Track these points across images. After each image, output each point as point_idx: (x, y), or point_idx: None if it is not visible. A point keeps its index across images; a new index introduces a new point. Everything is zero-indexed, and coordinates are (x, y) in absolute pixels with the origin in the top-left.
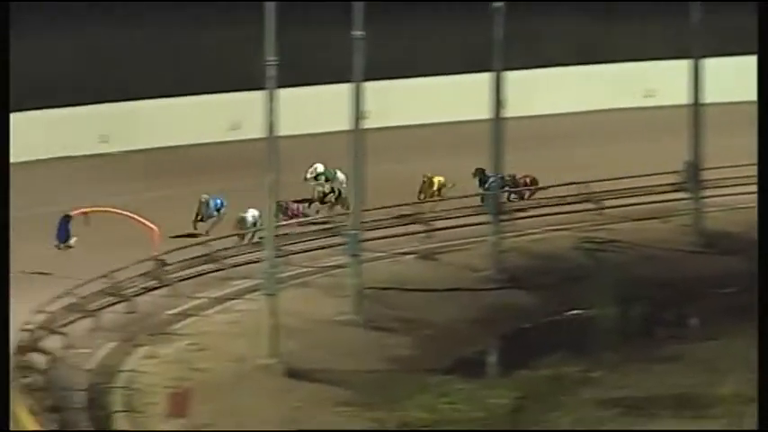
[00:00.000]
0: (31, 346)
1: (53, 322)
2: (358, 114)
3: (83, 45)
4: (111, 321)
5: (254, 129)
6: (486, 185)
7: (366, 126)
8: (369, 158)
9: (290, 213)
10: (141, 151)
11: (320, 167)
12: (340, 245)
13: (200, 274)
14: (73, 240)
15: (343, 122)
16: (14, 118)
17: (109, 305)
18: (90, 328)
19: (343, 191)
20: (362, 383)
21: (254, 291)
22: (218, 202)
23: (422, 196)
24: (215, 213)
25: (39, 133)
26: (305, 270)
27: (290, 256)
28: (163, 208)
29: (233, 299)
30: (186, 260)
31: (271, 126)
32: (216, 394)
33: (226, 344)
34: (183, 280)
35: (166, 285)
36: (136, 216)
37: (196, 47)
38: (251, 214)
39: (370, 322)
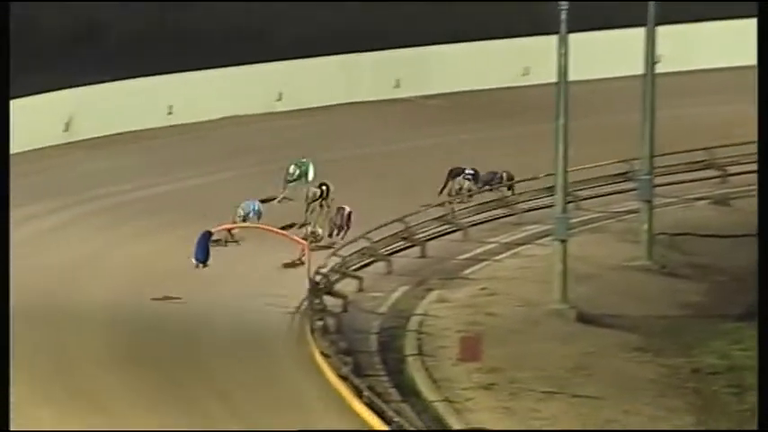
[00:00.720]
0: (325, 290)
1: (347, 266)
2: (651, 59)
3: None
4: (404, 266)
5: (545, 73)
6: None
7: (659, 70)
8: (661, 103)
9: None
10: (433, 96)
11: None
12: (632, 190)
13: (492, 219)
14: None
15: (635, 67)
16: (316, 63)
17: (401, 249)
18: (383, 272)
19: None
20: (654, 329)
21: (545, 236)
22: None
23: None
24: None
25: (339, 79)
26: (596, 215)
27: (581, 202)
28: (450, 152)
29: (524, 244)
30: (477, 205)
31: (562, 70)
32: (507, 339)
33: (517, 289)
34: (475, 225)
35: (458, 230)
36: (283, 232)
37: None
38: None
39: (662, 268)
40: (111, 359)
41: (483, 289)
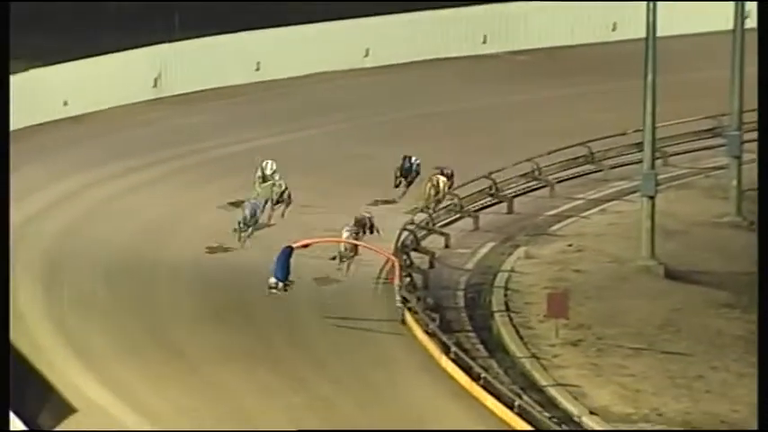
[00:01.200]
0: (412, 246)
1: (433, 222)
2: (741, 14)
3: None
4: (491, 222)
5: (633, 29)
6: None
7: (748, 26)
8: (750, 59)
9: None
10: (521, 52)
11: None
12: (721, 146)
13: (579, 175)
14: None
15: (724, 22)
16: (403, 19)
17: (488, 206)
18: (469, 228)
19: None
20: (743, 286)
21: (633, 192)
22: None
23: None
24: None
25: (427, 35)
26: (684, 171)
27: (669, 158)
28: (538, 108)
29: (611, 200)
30: (565, 161)
31: (650, 26)
32: (594, 295)
33: (604, 245)
34: (562, 181)
35: (545, 186)
36: (372, 246)
37: None
38: None
39: (750, 224)
40: (199, 315)
41: (570, 245)
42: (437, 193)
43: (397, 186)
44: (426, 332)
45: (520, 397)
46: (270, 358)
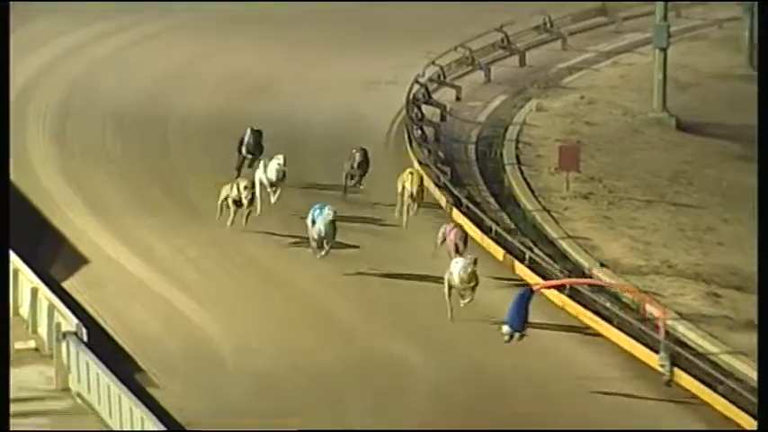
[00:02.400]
0: (423, 99)
1: (445, 75)
2: None
3: None
4: (502, 74)
5: None
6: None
7: None
8: None
9: None
10: None
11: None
12: None
13: (591, 28)
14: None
15: None
16: None
17: (500, 58)
18: (481, 81)
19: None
20: (755, 138)
21: (646, 44)
22: None
23: None
24: None
25: None
26: (697, 23)
27: (682, 9)
28: None
29: (623, 52)
30: (577, 13)
31: None
32: (606, 148)
33: (616, 97)
34: (574, 34)
35: (557, 39)
36: (630, 287)
37: None
38: None
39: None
40: (211, 167)
41: (582, 98)
42: None
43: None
44: (438, 185)
45: (531, 250)
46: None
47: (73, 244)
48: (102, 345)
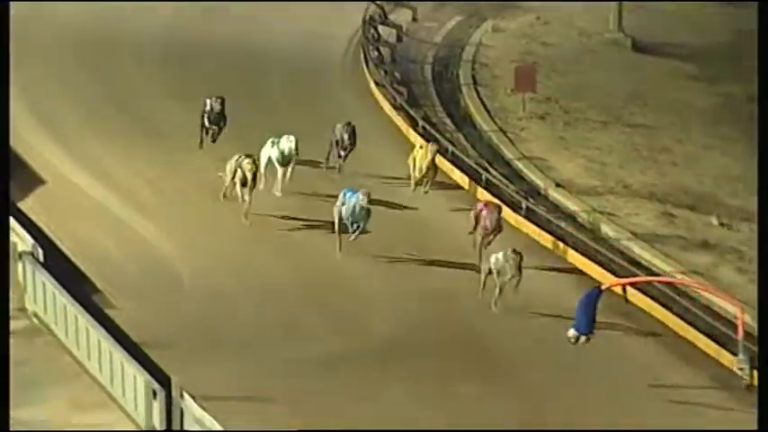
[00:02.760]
0: (379, 19)
1: None
2: None
3: None
4: None
5: None
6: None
7: None
8: None
9: None
10: None
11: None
12: None
13: None
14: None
15: None
16: None
17: None
18: (437, 1)
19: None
20: (711, 58)
21: None
22: None
23: None
24: None
25: None
26: None
27: None
28: None
29: None
30: None
31: None
32: (562, 69)
33: (572, 18)
34: None
35: None
36: (717, 291)
37: None
38: None
39: None
40: (167, 91)
41: (538, 18)
42: None
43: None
44: (394, 106)
45: (487, 171)
46: (235, 125)
47: (29, 165)
48: (58, 265)
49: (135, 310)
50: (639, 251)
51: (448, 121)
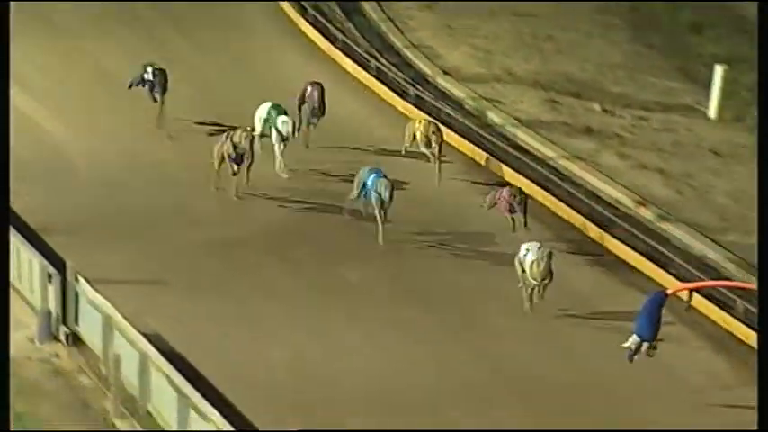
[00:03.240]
0: None
1: None
2: None
3: None
4: None
5: None
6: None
7: None
8: None
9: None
10: None
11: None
12: None
13: None
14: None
15: None
16: None
17: None
18: None
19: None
20: None
21: None
22: None
23: None
24: None
25: None
26: None
27: None
28: None
29: None
30: None
31: None
32: None
33: None
34: None
35: None
36: (726, 283)
37: None
38: None
39: None
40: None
41: None
42: None
43: None
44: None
45: (376, 59)
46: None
47: None
48: None
49: (31, 197)
50: (524, 137)
51: (338, 10)
